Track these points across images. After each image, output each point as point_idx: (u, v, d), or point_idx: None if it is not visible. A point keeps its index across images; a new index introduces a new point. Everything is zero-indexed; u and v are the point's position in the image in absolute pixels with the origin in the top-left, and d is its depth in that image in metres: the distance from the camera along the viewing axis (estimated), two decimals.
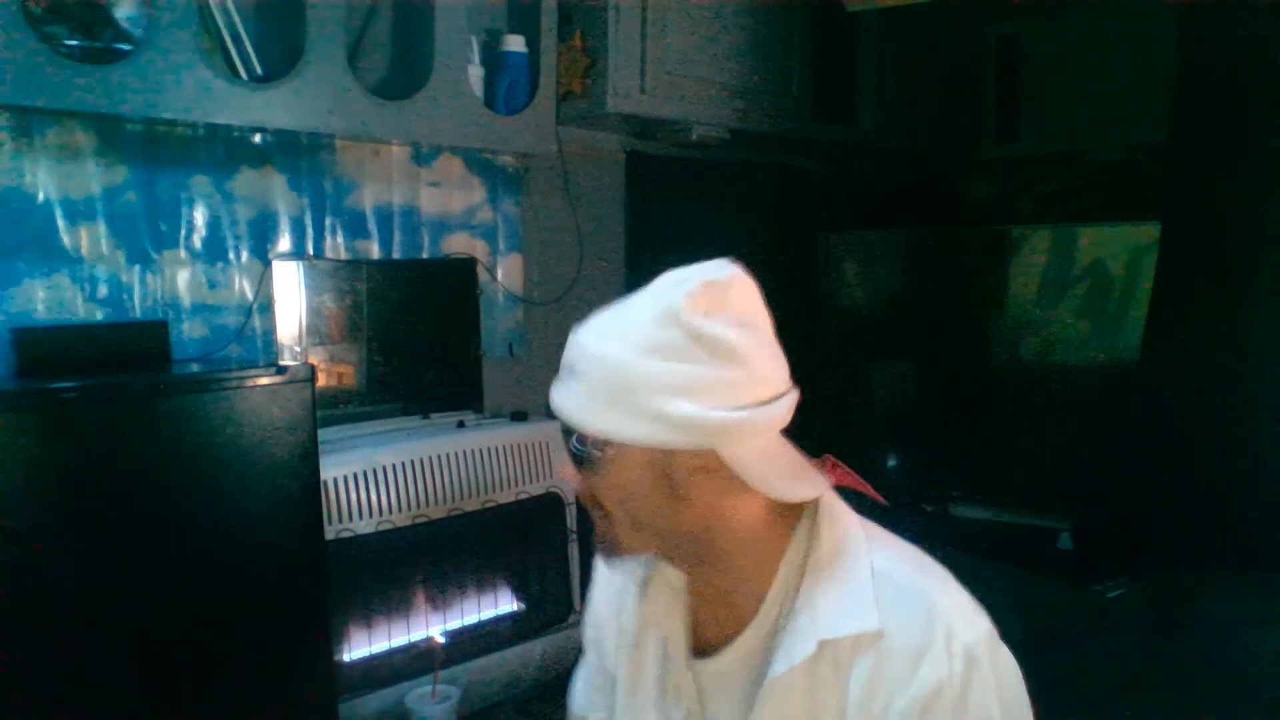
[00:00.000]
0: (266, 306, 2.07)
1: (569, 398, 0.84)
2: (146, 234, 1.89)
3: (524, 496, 2.29)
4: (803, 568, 0.85)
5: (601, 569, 1.04)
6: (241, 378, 1.66)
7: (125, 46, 1.70)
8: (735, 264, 0.86)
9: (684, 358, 0.78)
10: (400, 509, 2.07)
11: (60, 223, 1.79)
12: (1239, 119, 2.01)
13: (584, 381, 0.82)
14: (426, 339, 2.36)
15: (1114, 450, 2.33)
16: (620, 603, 0.99)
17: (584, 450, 0.84)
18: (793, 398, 0.83)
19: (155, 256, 1.91)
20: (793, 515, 0.88)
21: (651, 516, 0.84)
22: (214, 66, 1.78)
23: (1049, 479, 2.65)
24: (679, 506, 0.82)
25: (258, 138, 2.02)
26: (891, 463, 3.07)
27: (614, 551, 0.89)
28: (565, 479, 0.89)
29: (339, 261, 2.19)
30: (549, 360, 2.65)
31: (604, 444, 0.82)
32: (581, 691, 1.08)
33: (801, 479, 0.84)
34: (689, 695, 0.90)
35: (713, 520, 0.84)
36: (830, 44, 2.97)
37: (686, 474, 0.81)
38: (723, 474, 0.81)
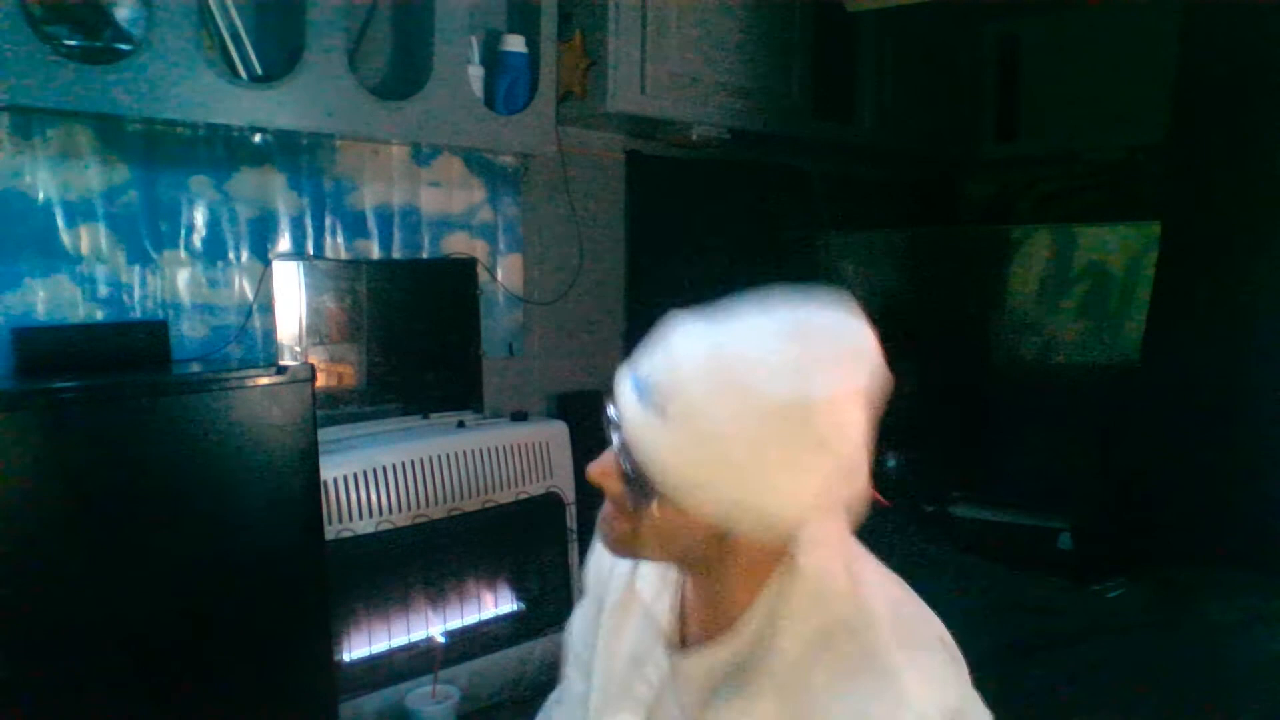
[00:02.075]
0: (266, 306, 2.07)
1: (660, 440, 0.74)
2: (146, 234, 1.89)
3: (524, 496, 2.29)
4: (788, 595, 0.81)
5: (590, 584, 1.02)
6: (241, 378, 1.66)
7: (125, 46, 1.70)
8: (861, 326, 0.76)
9: (806, 463, 0.72)
10: (400, 509, 2.07)
11: (60, 223, 1.79)
12: (1239, 119, 2.01)
13: (685, 433, 0.73)
14: (426, 339, 2.36)
15: (1114, 450, 2.33)
16: (608, 579, 0.98)
17: (646, 492, 0.77)
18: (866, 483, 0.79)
19: (155, 256, 1.91)
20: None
21: (683, 550, 0.82)
22: (214, 66, 1.78)
23: (1049, 479, 2.65)
24: (714, 548, 0.80)
25: (258, 138, 2.02)
26: (891, 463, 3.07)
27: (625, 555, 0.86)
28: (599, 481, 0.81)
29: (339, 261, 2.19)
30: (549, 360, 2.65)
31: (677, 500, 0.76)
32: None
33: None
34: (658, 680, 0.89)
35: (732, 549, 0.81)
36: (830, 44, 2.97)
37: (742, 537, 0.78)
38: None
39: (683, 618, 0.91)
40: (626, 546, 0.84)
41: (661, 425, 0.73)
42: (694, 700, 0.85)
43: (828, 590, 0.81)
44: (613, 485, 0.81)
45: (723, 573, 0.83)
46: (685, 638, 0.90)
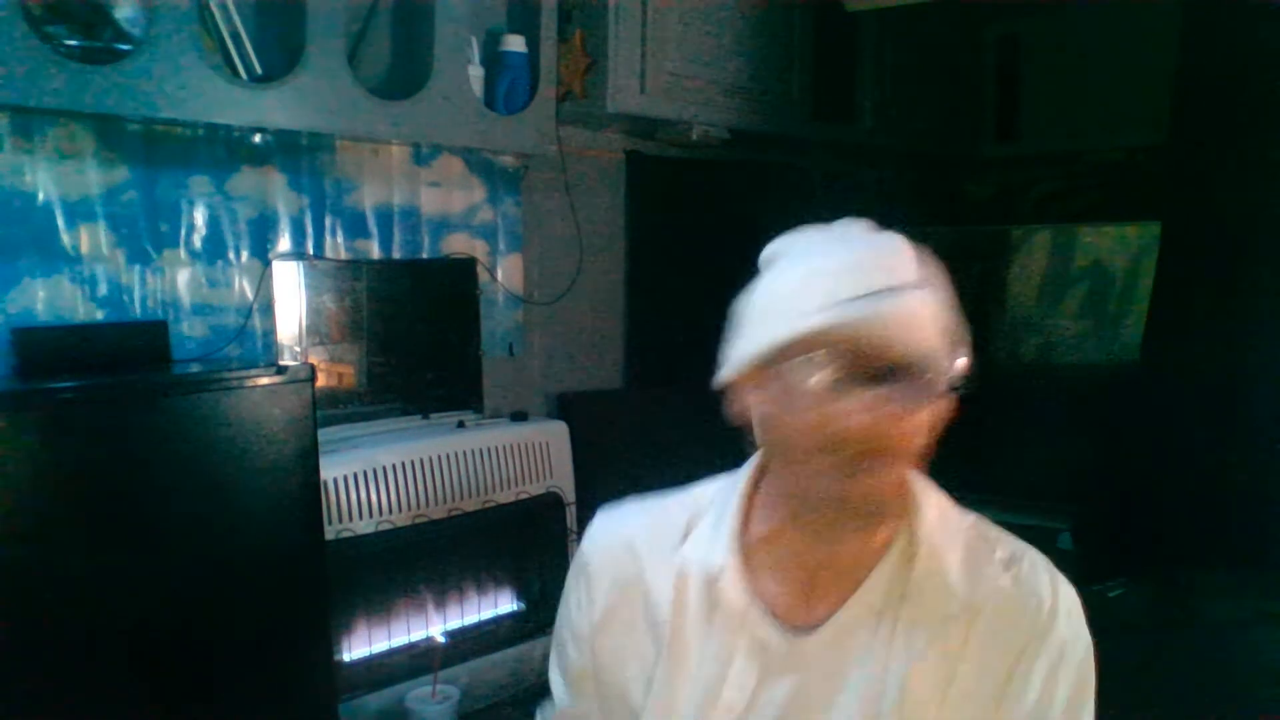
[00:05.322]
0: (266, 306, 2.07)
1: (931, 312, 0.74)
2: (146, 234, 1.89)
3: (524, 496, 2.29)
4: (916, 514, 0.82)
5: (597, 583, 0.92)
6: (241, 378, 1.66)
7: (125, 46, 1.70)
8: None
9: None
10: (400, 509, 2.07)
11: (60, 223, 1.79)
12: (1239, 120, 2.01)
13: (935, 293, 0.75)
14: (426, 339, 2.36)
15: (1114, 450, 2.33)
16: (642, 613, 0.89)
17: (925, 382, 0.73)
18: None
19: (155, 256, 1.91)
20: None
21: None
22: (214, 66, 1.78)
23: (1049, 479, 2.65)
24: None
25: (258, 138, 2.02)
26: None
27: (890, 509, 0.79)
28: (902, 434, 0.73)
29: (339, 261, 2.19)
30: (549, 360, 2.65)
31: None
32: None
33: None
34: (751, 687, 0.81)
35: None
36: (830, 44, 2.97)
37: None
38: None
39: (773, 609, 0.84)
40: (899, 494, 0.78)
41: (931, 297, 0.75)
42: (825, 678, 0.80)
43: (935, 497, 0.86)
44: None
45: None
46: (788, 627, 0.82)
